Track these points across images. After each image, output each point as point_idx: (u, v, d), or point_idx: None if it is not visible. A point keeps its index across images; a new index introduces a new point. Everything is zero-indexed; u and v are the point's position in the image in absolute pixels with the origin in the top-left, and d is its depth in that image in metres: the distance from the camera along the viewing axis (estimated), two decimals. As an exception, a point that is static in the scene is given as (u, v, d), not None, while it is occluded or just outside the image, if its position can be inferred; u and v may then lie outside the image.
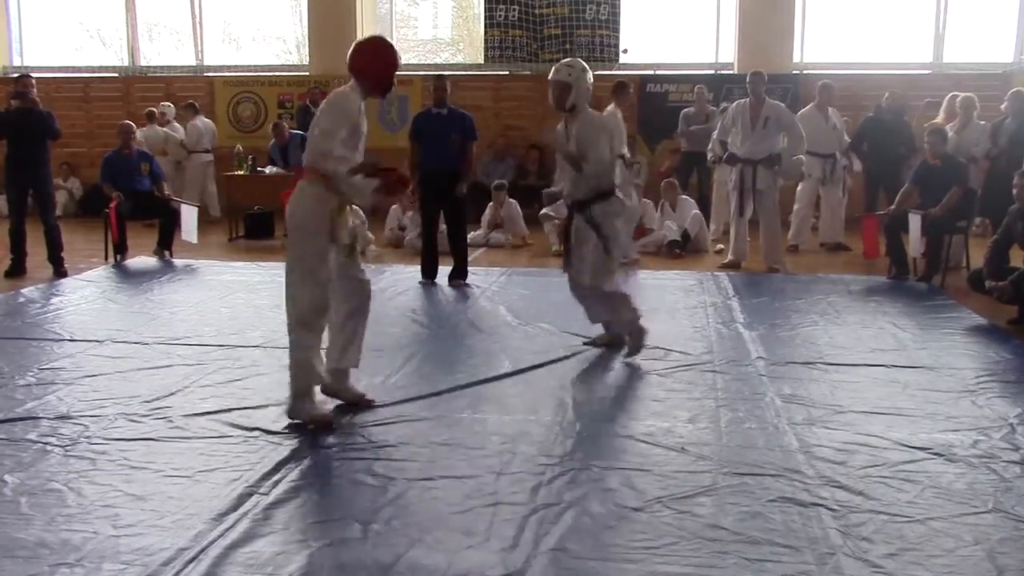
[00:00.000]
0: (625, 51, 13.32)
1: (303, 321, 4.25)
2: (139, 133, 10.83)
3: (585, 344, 5.79)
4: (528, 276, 8.29)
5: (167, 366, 5.31)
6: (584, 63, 5.47)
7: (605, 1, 13.11)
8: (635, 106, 13.02)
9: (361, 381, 4.89)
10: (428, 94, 9.53)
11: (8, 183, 8.57)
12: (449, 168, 7.76)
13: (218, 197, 12.59)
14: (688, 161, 11.20)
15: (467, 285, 7.83)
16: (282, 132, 11.26)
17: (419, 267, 8.15)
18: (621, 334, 5.69)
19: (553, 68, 5.43)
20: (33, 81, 8.61)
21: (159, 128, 12.37)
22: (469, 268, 8.08)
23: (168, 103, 12.92)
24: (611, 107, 9.27)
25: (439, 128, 7.78)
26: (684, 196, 10.16)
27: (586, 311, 5.79)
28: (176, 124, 12.65)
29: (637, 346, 5.55)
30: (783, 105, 8.99)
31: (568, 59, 5.58)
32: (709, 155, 9.37)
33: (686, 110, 11.39)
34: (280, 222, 11.16)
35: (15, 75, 9.43)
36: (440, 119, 7.85)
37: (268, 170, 11.18)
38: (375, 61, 4.30)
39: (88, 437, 4.10)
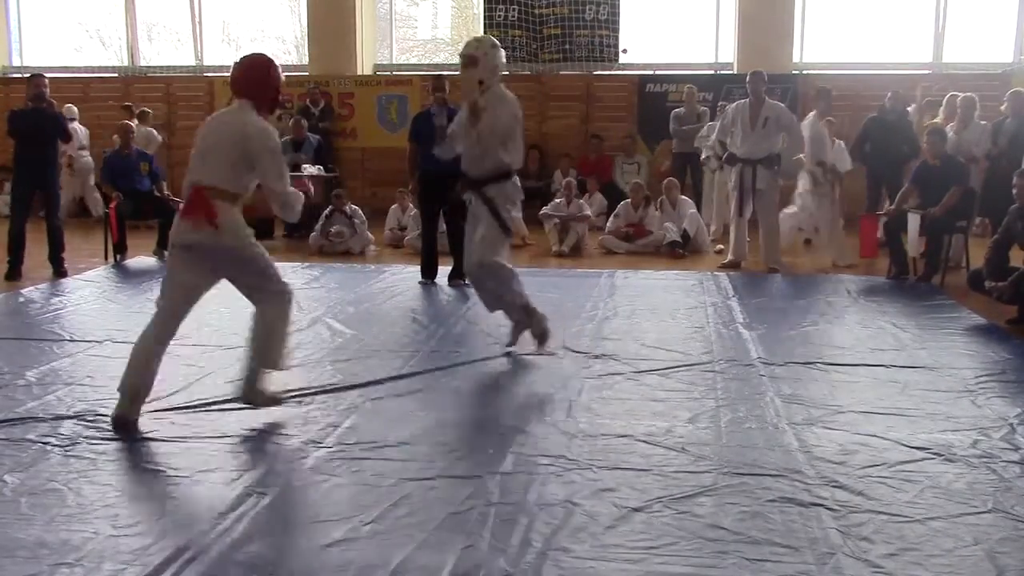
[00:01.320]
0: (624, 51, 13.34)
1: None
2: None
3: (507, 348, 5.60)
4: (528, 276, 8.22)
5: (167, 366, 5.29)
6: (494, 39, 5.57)
7: (605, 1, 13.12)
8: (635, 106, 13.06)
9: (361, 380, 4.91)
10: (427, 94, 9.53)
11: (16, 182, 8.52)
12: (448, 169, 7.74)
13: None
14: (680, 161, 11.20)
15: (467, 285, 7.80)
16: (300, 127, 11.33)
17: (419, 267, 8.15)
18: (521, 328, 5.54)
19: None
20: (46, 81, 8.56)
21: (145, 129, 12.31)
22: (469, 268, 8.08)
23: (70, 104, 12.53)
24: (811, 116, 9.24)
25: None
26: (682, 196, 10.17)
27: (481, 299, 5.67)
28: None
29: (541, 331, 5.45)
30: (783, 105, 9.00)
31: (479, 35, 5.69)
32: (708, 153, 9.36)
33: (676, 110, 11.39)
34: (279, 222, 11.23)
35: (14, 75, 9.39)
36: (440, 119, 7.84)
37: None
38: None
39: (88, 437, 4.09)
